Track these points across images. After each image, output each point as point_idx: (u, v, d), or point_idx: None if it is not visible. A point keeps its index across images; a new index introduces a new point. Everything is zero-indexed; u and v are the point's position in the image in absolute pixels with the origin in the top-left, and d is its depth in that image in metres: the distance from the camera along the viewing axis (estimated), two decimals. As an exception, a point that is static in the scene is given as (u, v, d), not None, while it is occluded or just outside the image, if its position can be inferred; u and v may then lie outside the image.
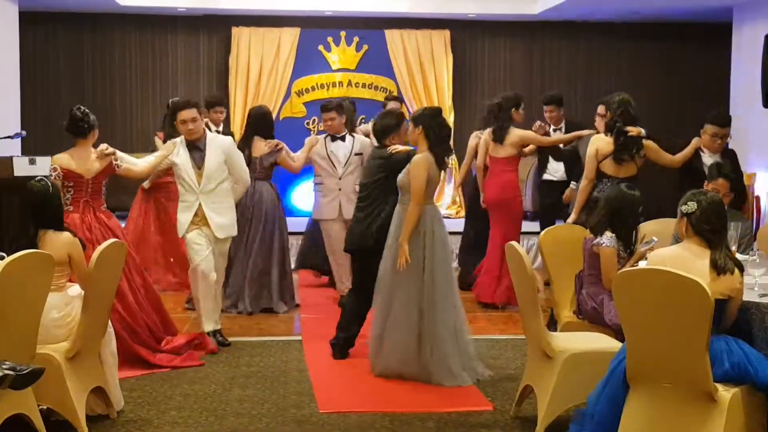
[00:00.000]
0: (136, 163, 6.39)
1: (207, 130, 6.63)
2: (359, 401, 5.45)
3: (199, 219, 6.45)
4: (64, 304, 4.82)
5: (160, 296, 6.54)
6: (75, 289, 4.94)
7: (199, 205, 6.43)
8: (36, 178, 4.95)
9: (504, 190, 7.86)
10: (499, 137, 7.85)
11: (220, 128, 8.57)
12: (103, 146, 6.13)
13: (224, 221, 6.51)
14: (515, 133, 7.85)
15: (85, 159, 6.11)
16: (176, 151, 6.47)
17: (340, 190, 7.69)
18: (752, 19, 10.01)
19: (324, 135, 7.86)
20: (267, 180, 7.75)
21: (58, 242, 4.78)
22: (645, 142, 6.68)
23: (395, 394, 5.62)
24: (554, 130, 8.63)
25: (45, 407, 4.64)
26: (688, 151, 6.84)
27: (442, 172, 5.98)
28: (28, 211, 4.83)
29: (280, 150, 7.65)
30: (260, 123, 7.80)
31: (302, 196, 10.94)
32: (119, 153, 6.36)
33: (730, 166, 6.33)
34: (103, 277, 4.84)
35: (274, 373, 5.99)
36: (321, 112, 7.91)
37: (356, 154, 7.71)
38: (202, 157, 6.42)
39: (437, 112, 6.00)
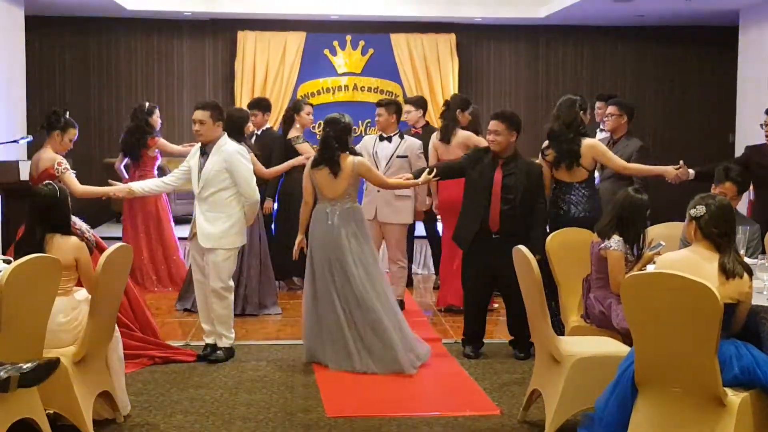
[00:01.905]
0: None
1: (224, 136, 6.35)
2: (366, 405, 5.44)
3: (195, 225, 6.36)
4: (71, 308, 4.82)
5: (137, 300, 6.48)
6: (82, 294, 4.94)
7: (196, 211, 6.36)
8: (43, 182, 4.96)
9: (460, 192, 7.77)
10: (445, 137, 7.81)
11: (258, 131, 8.58)
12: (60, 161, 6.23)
13: (212, 231, 6.25)
14: (461, 134, 7.82)
15: (37, 157, 6.21)
16: (192, 154, 6.43)
17: (378, 191, 7.62)
18: (758, 22, 10.00)
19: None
20: None
21: (65, 246, 4.78)
22: (591, 143, 6.54)
23: (403, 398, 5.62)
24: (601, 131, 8.56)
25: (52, 412, 4.63)
26: (650, 169, 6.71)
27: (332, 174, 6.18)
28: (35, 215, 4.84)
29: None
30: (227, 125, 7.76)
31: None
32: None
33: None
34: (109, 281, 4.84)
35: (281, 378, 5.99)
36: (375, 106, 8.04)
37: (399, 156, 7.66)
38: (204, 163, 6.28)
39: (329, 120, 6.31)
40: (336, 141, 6.22)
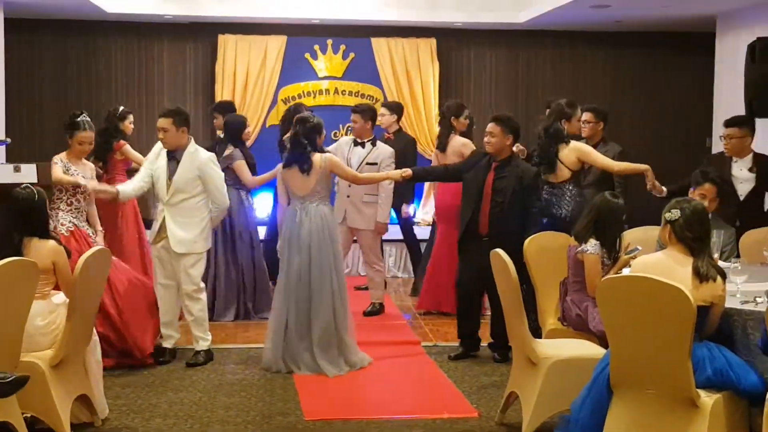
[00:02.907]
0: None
1: (192, 142, 6.39)
2: (345, 408, 5.46)
3: (164, 230, 6.34)
4: (48, 311, 4.81)
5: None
6: (59, 297, 4.93)
7: (164, 216, 6.35)
8: (21, 186, 4.95)
9: (455, 198, 7.78)
10: (440, 145, 7.89)
11: (221, 135, 8.53)
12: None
13: (185, 236, 6.29)
14: (457, 140, 7.86)
15: None
16: (158, 154, 6.43)
17: (348, 197, 7.67)
18: (735, 28, 10.08)
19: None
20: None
21: (43, 250, 4.77)
22: (575, 146, 6.69)
23: (381, 401, 5.64)
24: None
25: (29, 415, 4.63)
26: (636, 167, 6.77)
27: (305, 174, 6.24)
28: (13, 218, 4.82)
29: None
30: (229, 131, 7.83)
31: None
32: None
33: (760, 175, 6.52)
34: (87, 284, 4.84)
35: (260, 381, 6.00)
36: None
37: (369, 164, 7.65)
38: (174, 169, 6.28)
39: (298, 119, 6.43)
40: (305, 139, 6.28)
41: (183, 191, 6.27)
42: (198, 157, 6.30)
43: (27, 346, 4.53)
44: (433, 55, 11.88)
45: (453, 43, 12.10)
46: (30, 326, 4.55)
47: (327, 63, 11.90)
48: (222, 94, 11.54)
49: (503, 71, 12.26)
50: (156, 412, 5.31)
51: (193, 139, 6.45)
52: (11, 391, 4.16)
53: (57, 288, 4.95)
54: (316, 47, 11.86)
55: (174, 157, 6.30)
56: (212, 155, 6.48)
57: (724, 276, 4.18)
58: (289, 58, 11.77)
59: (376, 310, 7.96)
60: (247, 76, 11.64)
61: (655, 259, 4.28)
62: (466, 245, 6.52)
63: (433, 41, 11.89)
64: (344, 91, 11.94)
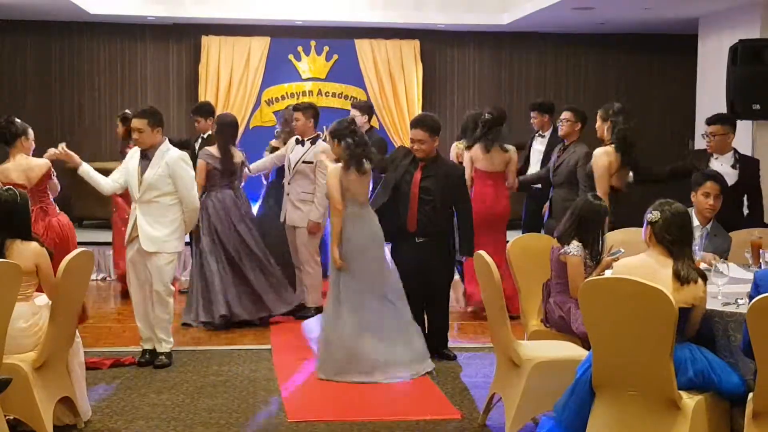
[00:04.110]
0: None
1: (166, 142, 6.35)
2: (328, 410, 5.46)
3: (136, 229, 6.29)
4: (31, 313, 4.79)
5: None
6: (42, 299, 4.91)
7: (136, 214, 6.32)
8: (4, 188, 4.94)
9: (482, 205, 7.60)
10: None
11: (205, 135, 8.49)
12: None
13: (156, 234, 6.25)
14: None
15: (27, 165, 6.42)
16: (130, 156, 6.42)
17: (288, 194, 7.70)
18: (717, 30, 10.15)
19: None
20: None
21: (26, 252, 4.75)
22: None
23: (364, 402, 5.64)
24: (540, 136, 8.69)
25: (12, 418, 4.62)
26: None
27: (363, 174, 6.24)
28: (-5, 220, 4.80)
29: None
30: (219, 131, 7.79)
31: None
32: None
33: (742, 174, 6.55)
34: (70, 286, 4.83)
35: (243, 383, 5.99)
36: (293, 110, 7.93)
37: (304, 162, 7.61)
38: (146, 167, 6.26)
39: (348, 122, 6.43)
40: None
41: (154, 189, 6.24)
42: (169, 155, 6.27)
43: (9, 348, 4.51)
44: (417, 57, 11.92)
45: (436, 44, 12.13)
46: (13, 328, 4.53)
47: (310, 64, 11.92)
48: (205, 95, 11.53)
49: (486, 73, 12.30)
50: (138, 414, 5.30)
51: (167, 140, 6.42)
52: None
53: (39, 290, 4.94)
54: (300, 48, 11.88)
55: (146, 155, 6.29)
56: (184, 154, 6.42)
57: (705, 278, 4.20)
58: (273, 59, 11.78)
59: (311, 314, 7.56)
60: (231, 77, 11.65)
61: (636, 261, 4.30)
62: (399, 246, 6.53)
63: (416, 43, 11.92)
64: (328, 92, 11.96)
